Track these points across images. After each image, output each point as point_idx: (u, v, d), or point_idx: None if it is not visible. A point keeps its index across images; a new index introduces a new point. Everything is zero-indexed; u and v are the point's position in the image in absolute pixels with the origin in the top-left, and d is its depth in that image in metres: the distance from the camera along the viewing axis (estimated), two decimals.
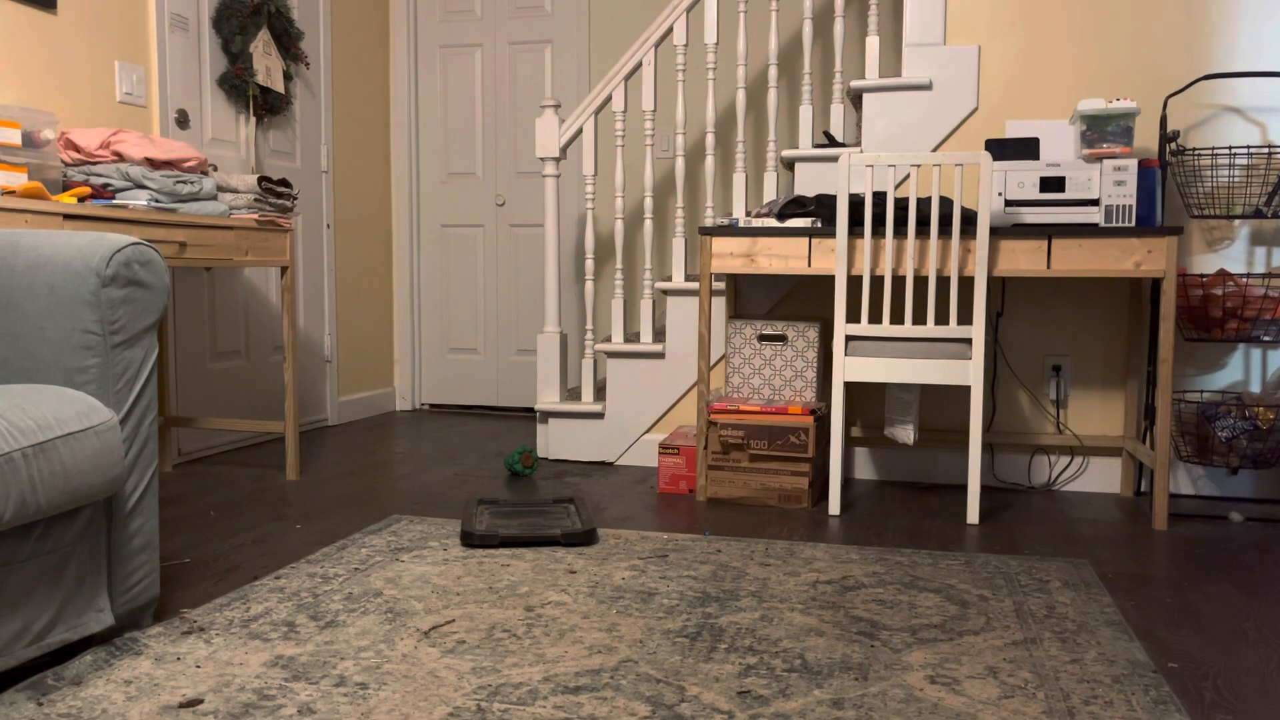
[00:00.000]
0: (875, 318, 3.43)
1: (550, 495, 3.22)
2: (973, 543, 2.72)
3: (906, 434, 3.14)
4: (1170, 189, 3.28)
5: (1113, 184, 2.90)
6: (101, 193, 2.81)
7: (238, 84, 3.88)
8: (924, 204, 2.93)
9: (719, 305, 3.64)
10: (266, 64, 3.99)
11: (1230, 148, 3.04)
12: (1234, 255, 3.26)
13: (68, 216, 2.53)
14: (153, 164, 2.93)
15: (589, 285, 3.80)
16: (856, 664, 1.83)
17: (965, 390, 3.49)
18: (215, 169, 3.34)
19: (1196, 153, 3.13)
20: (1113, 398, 3.38)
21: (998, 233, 2.93)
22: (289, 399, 3.37)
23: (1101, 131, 2.99)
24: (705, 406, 3.17)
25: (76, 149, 2.88)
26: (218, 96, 3.87)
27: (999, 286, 3.43)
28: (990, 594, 2.25)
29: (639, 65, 3.67)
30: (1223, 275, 3.03)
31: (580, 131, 3.75)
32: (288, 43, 4.12)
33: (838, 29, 3.56)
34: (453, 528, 2.77)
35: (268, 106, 4.07)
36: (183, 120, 3.67)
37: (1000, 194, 2.98)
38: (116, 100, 3.40)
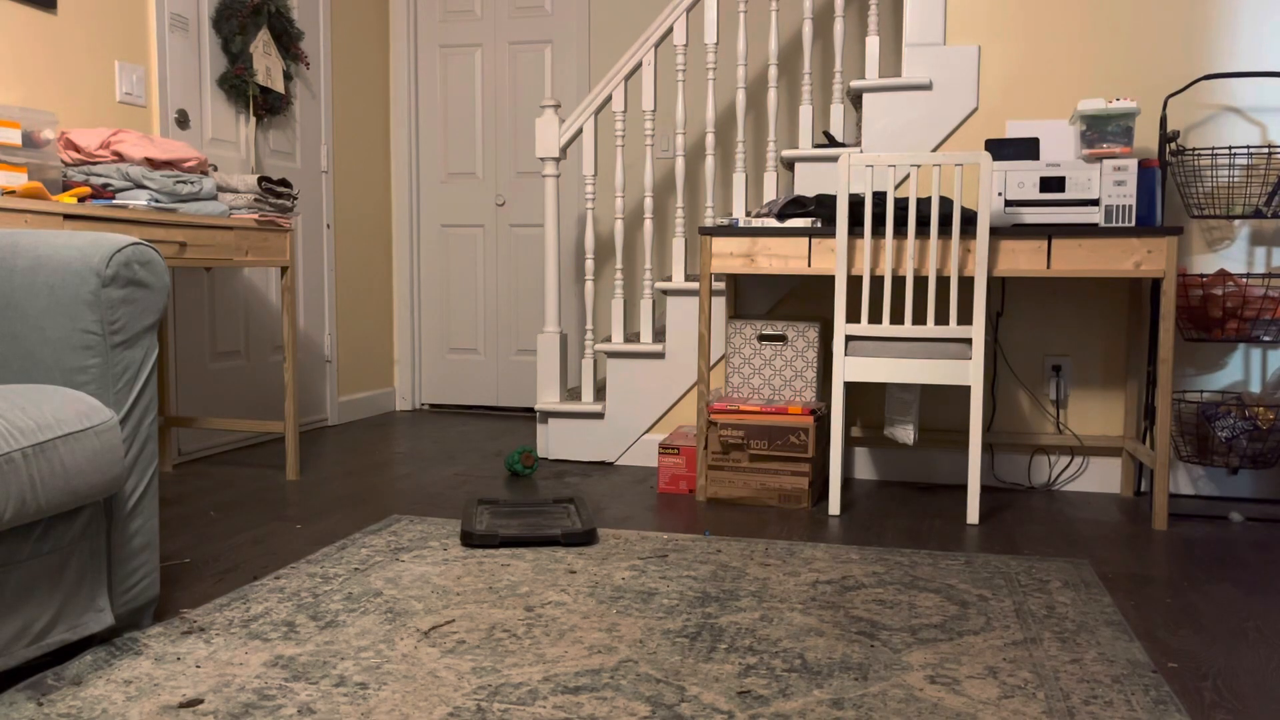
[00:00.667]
0: (875, 318, 3.43)
1: (550, 495, 3.22)
2: (973, 543, 2.72)
3: (906, 434, 3.14)
4: (1170, 189, 3.28)
5: (1113, 184, 2.90)
6: (101, 193, 2.81)
7: (238, 84, 3.88)
8: (924, 204, 2.93)
9: (719, 305, 3.64)
10: (266, 64, 3.99)
11: (1230, 148, 3.04)
12: (1234, 255, 3.26)
13: (68, 216, 2.53)
14: (153, 164, 2.93)
15: (589, 285, 3.80)
16: (856, 664, 1.83)
17: (965, 390, 3.49)
18: (215, 169, 3.34)
19: (1196, 153, 3.13)
20: (1113, 398, 3.38)
21: (998, 233, 2.93)
22: (289, 399, 3.37)
23: (1101, 131, 2.99)
24: (705, 406, 3.17)
25: (76, 149, 2.88)
26: (218, 96, 3.87)
27: (999, 286, 3.43)
28: (990, 594, 2.25)
29: (639, 65, 3.67)
30: (1223, 275, 3.03)
31: (580, 131, 3.75)
32: (288, 43, 4.12)
33: (837, 29, 3.56)
34: (453, 528, 2.77)
35: (268, 106, 4.07)
36: (183, 120, 3.67)
37: (1000, 194, 2.98)
38: (116, 100, 3.40)
